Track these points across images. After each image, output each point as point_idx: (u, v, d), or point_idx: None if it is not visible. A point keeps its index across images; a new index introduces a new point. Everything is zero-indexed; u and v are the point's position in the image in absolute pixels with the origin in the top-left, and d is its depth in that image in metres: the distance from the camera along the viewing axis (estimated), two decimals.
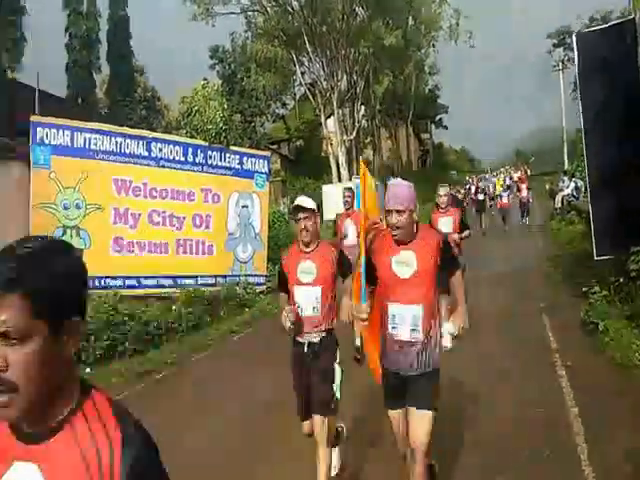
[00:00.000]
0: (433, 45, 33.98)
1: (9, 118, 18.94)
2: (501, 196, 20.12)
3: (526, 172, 41.85)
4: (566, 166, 26.09)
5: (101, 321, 7.50)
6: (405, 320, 2.82)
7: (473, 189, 29.10)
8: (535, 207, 23.34)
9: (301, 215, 3.22)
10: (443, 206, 6.80)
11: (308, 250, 3.31)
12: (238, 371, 6.49)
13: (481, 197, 20.70)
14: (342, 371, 3.31)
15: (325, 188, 22.69)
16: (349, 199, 6.70)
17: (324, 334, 3.28)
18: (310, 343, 3.27)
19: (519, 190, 20.86)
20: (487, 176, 40.42)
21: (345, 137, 26.97)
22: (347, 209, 6.75)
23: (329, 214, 20.97)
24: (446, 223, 6.66)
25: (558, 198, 20.87)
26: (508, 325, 7.40)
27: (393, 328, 2.86)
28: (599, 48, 6.95)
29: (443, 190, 6.85)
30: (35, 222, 8.35)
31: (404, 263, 2.82)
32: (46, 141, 8.60)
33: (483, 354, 6.24)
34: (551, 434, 4.10)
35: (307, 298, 3.27)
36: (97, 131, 9.11)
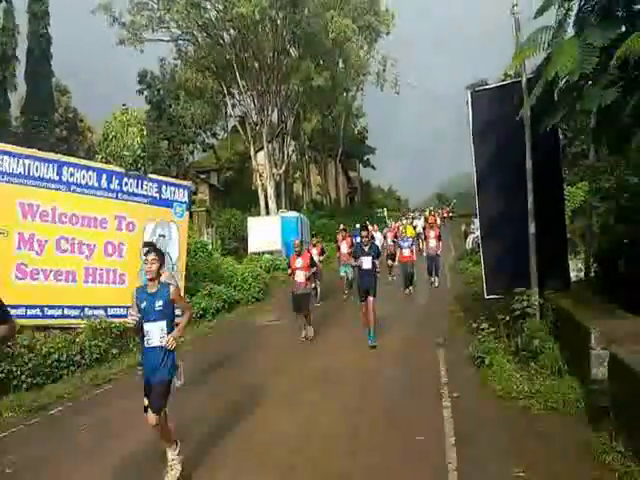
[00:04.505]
0: (361, 89, 35.61)
1: None
2: (401, 247, 14.85)
3: (437, 216, 35.08)
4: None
5: None
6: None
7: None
8: (451, 248, 24.37)
9: None
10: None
11: None
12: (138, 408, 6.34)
13: (367, 265, 8.84)
14: None
15: (251, 220, 22.62)
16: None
17: None
18: None
19: (426, 239, 16.01)
20: (389, 222, 34.21)
21: (275, 171, 27.36)
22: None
23: (254, 246, 20.98)
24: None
25: (469, 239, 22.23)
26: (402, 358, 7.80)
27: None
28: (491, 106, 7.64)
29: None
30: None
31: None
32: None
33: (374, 383, 6.63)
34: (425, 461, 4.37)
35: None
36: (3, 152, 8.74)
